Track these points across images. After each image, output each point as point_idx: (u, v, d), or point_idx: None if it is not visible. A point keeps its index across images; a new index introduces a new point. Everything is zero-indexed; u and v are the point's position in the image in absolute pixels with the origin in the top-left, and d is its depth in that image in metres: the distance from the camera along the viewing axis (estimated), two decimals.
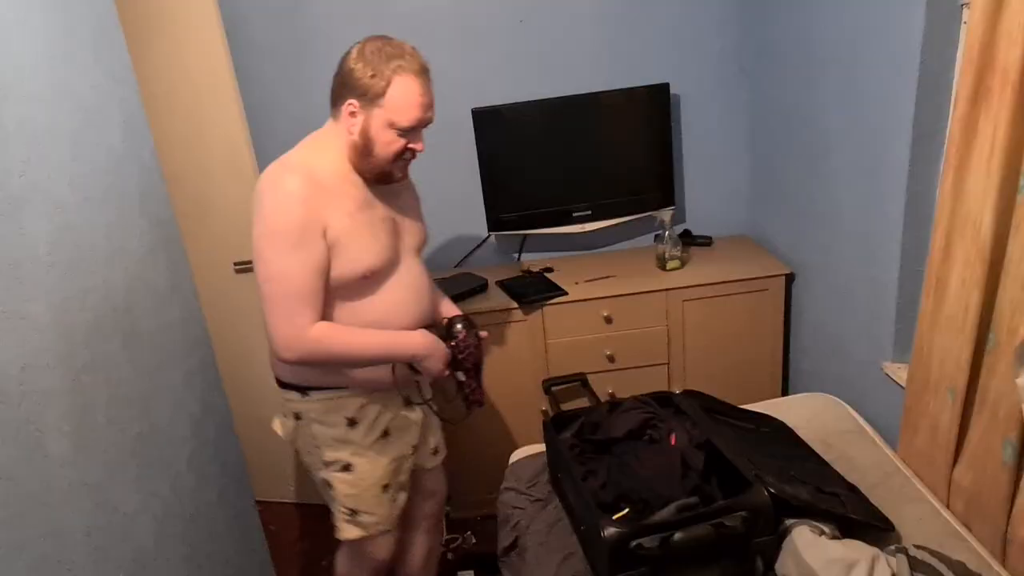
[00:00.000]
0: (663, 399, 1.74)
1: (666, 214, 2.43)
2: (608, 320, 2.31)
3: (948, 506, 1.57)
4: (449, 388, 1.68)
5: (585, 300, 2.30)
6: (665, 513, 1.37)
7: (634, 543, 1.30)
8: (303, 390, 1.59)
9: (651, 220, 2.57)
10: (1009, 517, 1.42)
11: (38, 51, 1.28)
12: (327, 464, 1.64)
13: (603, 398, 2.33)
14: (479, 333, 1.64)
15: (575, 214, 2.49)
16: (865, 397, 1.98)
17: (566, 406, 2.20)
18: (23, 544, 1.13)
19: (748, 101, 2.55)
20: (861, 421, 1.88)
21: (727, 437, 1.57)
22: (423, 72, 1.46)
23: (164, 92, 2.21)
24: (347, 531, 1.71)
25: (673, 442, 1.52)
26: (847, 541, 1.38)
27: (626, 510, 1.41)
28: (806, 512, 1.40)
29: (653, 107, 2.43)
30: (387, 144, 1.47)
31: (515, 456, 1.98)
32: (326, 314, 1.48)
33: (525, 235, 2.63)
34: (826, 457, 1.68)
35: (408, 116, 1.45)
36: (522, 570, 1.57)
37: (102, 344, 1.37)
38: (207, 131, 2.25)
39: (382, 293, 1.54)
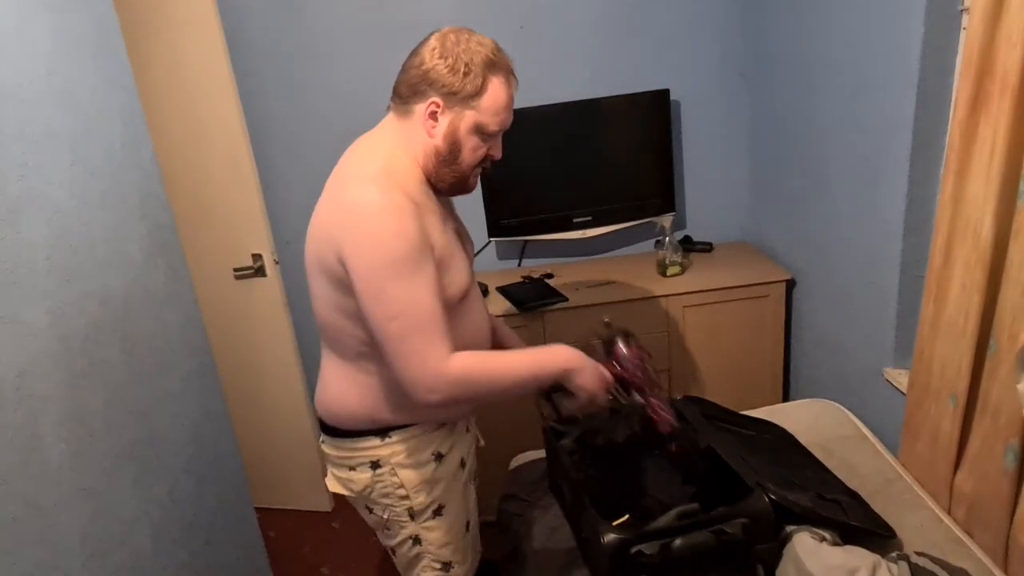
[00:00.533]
0: None
1: (666, 220, 2.42)
2: (608, 326, 2.30)
3: (949, 512, 1.57)
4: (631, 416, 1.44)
5: (585, 306, 2.29)
6: (665, 519, 1.36)
7: (634, 550, 1.29)
8: (382, 432, 1.37)
9: (652, 226, 2.57)
10: (1011, 523, 1.41)
11: (38, 56, 1.28)
12: (417, 514, 1.41)
13: None
14: (640, 344, 1.43)
15: (576, 220, 2.49)
16: (866, 403, 1.97)
17: (566, 412, 2.19)
18: (18, 551, 1.12)
19: (748, 107, 2.55)
20: (862, 427, 1.88)
21: (728, 443, 1.56)
22: (513, 72, 1.30)
23: (164, 96, 2.21)
24: None
25: (674, 449, 1.51)
26: (848, 548, 1.37)
27: (626, 516, 1.40)
28: (807, 519, 1.39)
29: (653, 113, 2.43)
30: (473, 150, 1.28)
31: (515, 462, 1.97)
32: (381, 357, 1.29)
33: (526, 241, 2.63)
34: (827, 463, 1.68)
35: (498, 120, 1.28)
36: None
37: (100, 349, 1.37)
38: (207, 135, 2.26)
39: (466, 316, 1.36)
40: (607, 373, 1.37)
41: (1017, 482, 1.38)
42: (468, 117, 1.26)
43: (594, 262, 2.66)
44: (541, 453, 1.83)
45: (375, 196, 1.19)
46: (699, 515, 1.36)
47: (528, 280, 2.49)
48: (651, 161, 2.50)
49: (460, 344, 1.27)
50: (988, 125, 1.35)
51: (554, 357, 1.32)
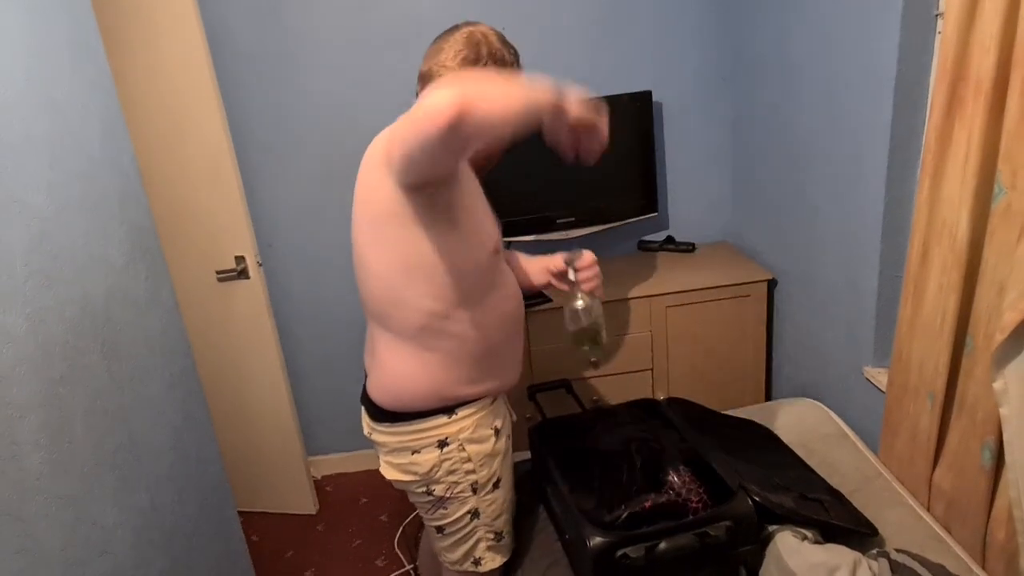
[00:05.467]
0: (649, 407, 1.74)
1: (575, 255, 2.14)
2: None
3: (929, 509, 1.59)
4: None
5: None
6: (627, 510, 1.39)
7: (619, 553, 1.30)
8: (449, 410, 1.41)
9: (634, 227, 2.58)
10: (988, 519, 1.43)
11: (15, 58, 1.26)
12: (480, 487, 1.46)
13: (588, 404, 2.33)
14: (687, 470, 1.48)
15: (559, 221, 2.50)
16: (847, 402, 2.00)
17: (551, 413, 2.20)
18: None
19: (730, 109, 2.58)
20: (843, 425, 1.90)
21: (711, 445, 1.58)
22: None
23: (145, 99, 2.19)
24: (492, 561, 1.52)
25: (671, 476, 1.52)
26: (829, 546, 1.39)
27: (624, 511, 1.41)
28: (789, 519, 1.40)
29: (636, 115, 2.45)
30: None
31: None
32: (459, 316, 1.34)
33: (508, 242, 2.63)
34: (808, 462, 1.70)
35: None
36: None
37: (80, 355, 1.35)
38: (188, 138, 2.23)
39: (503, 282, 1.43)
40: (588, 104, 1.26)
41: (994, 479, 1.41)
42: None
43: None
44: (526, 454, 1.83)
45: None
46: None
47: None
48: (634, 162, 2.52)
49: (502, 316, 1.40)
50: (963, 128, 1.38)
51: (550, 90, 1.19)
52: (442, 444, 1.41)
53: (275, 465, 2.66)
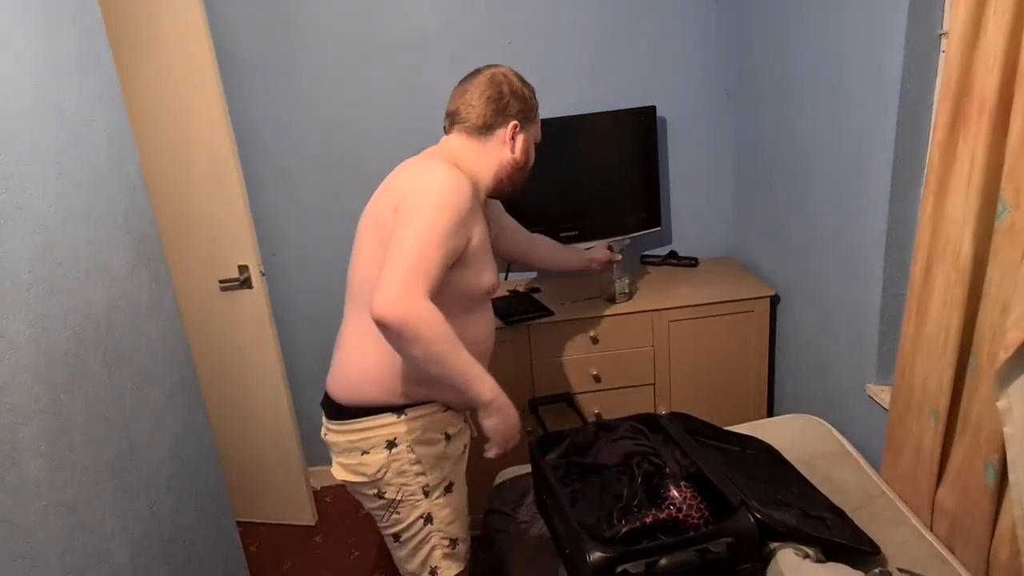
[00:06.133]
0: (650, 422, 1.74)
1: (616, 244, 2.36)
2: (594, 340, 2.32)
3: (932, 528, 1.58)
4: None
5: (571, 320, 2.30)
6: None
7: (619, 568, 1.29)
8: (399, 409, 1.47)
9: (637, 241, 2.59)
10: (992, 539, 1.42)
11: (25, 68, 1.27)
12: (431, 490, 1.51)
13: (589, 418, 2.33)
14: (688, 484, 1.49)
15: (562, 234, 2.50)
16: (849, 419, 1.99)
17: (552, 426, 2.19)
18: None
19: (733, 125, 2.59)
20: (845, 443, 1.89)
21: (713, 461, 1.57)
22: None
23: (152, 108, 2.21)
24: (448, 569, 1.56)
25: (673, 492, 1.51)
26: (831, 564, 1.37)
27: (624, 527, 1.40)
28: (791, 536, 1.39)
29: (640, 129, 2.46)
30: (531, 159, 1.65)
31: (500, 477, 1.97)
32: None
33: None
34: (811, 479, 1.69)
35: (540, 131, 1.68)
36: None
37: (82, 363, 1.36)
38: (194, 148, 2.25)
39: (483, 315, 1.57)
40: (516, 439, 1.46)
41: (998, 498, 1.40)
42: (532, 132, 1.63)
43: (580, 277, 2.66)
44: (526, 468, 1.83)
45: (441, 168, 1.41)
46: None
47: (514, 294, 2.49)
48: (637, 177, 2.52)
49: (473, 333, 1.47)
50: (967, 146, 1.38)
51: (488, 388, 1.38)
52: (391, 445, 1.47)
53: (275, 475, 2.65)
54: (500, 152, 1.56)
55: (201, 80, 2.15)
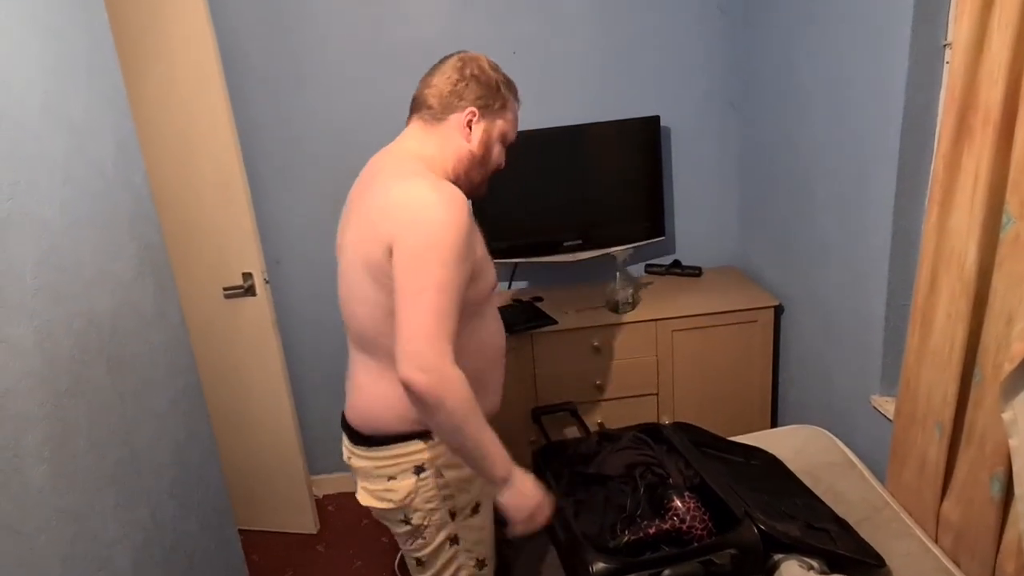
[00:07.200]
0: (653, 432, 1.73)
1: (621, 253, 2.36)
2: (597, 350, 2.31)
3: (937, 541, 1.57)
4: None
5: (575, 329, 2.30)
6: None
7: None
8: (425, 435, 1.38)
9: (640, 250, 2.59)
10: (997, 552, 1.41)
11: (32, 75, 1.28)
12: (459, 512, 1.43)
13: (592, 428, 2.32)
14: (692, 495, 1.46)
15: (566, 244, 2.50)
16: (853, 430, 1.98)
17: (555, 436, 2.19)
18: None
19: (737, 135, 2.59)
20: (849, 454, 1.88)
21: (717, 472, 1.56)
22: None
23: (158, 117, 2.22)
24: None
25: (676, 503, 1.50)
26: None
27: (626, 536, 1.39)
28: (795, 548, 1.38)
29: (644, 139, 2.46)
30: (496, 156, 1.47)
31: None
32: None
33: (516, 263, 2.63)
34: (815, 490, 1.68)
35: (515, 131, 1.50)
36: None
37: (85, 369, 1.36)
38: (200, 156, 2.26)
39: (492, 315, 1.47)
40: (542, 516, 1.34)
41: (1003, 511, 1.39)
42: (498, 126, 1.44)
43: (584, 286, 2.67)
44: None
45: (426, 190, 1.26)
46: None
47: (518, 303, 2.49)
48: (641, 186, 2.53)
49: (481, 343, 1.39)
50: (971, 157, 1.38)
51: (510, 467, 1.31)
52: (419, 470, 1.39)
53: (277, 483, 2.64)
54: (456, 140, 1.40)
55: (207, 88, 2.17)
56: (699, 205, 2.68)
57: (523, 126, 2.41)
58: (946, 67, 1.57)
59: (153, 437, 1.56)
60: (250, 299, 2.38)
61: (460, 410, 1.23)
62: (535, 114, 2.47)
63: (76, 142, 1.39)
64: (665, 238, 2.61)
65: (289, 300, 2.65)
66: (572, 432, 2.25)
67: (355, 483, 1.49)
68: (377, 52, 2.46)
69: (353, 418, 1.45)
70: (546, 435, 2.18)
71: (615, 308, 2.35)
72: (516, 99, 1.48)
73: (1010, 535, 1.37)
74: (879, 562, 1.45)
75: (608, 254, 2.43)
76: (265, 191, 2.54)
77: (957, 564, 1.49)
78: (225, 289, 2.37)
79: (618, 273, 2.35)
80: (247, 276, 2.36)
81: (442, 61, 1.45)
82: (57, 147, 1.33)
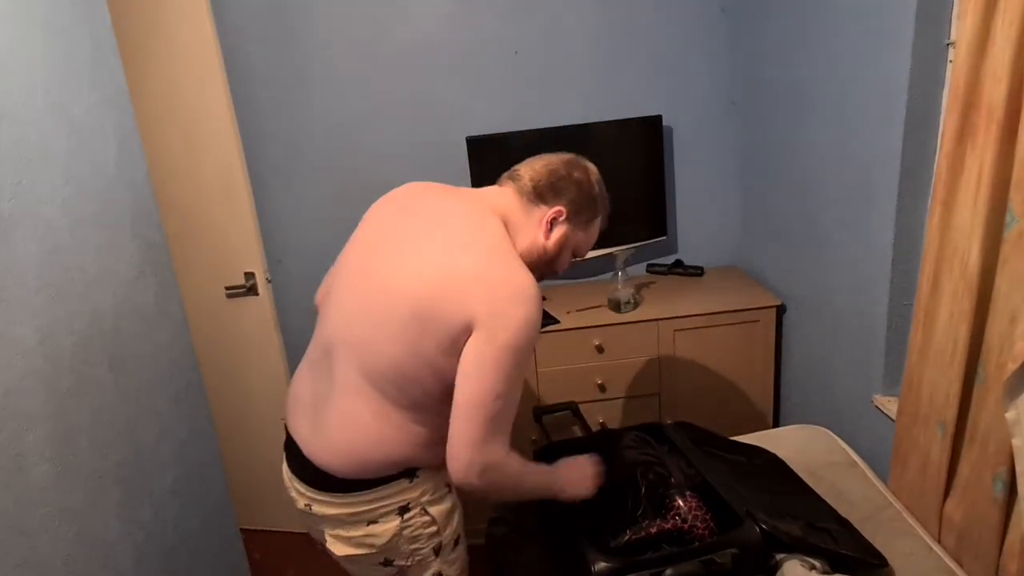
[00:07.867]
0: (655, 432, 1.73)
1: (622, 254, 2.35)
2: (600, 349, 2.31)
3: (939, 541, 1.56)
4: None
5: (577, 329, 2.30)
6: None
7: None
8: (411, 473, 1.32)
9: (642, 250, 2.58)
10: (1000, 552, 1.41)
11: (34, 74, 1.28)
12: (443, 548, 1.38)
13: (594, 427, 2.32)
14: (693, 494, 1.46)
15: None
16: (856, 429, 1.98)
17: (556, 435, 2.18)
18: None
19: (739, 134, 2.58)
20: (852, 453, 1.88)
21: (719, 471, 1.56)
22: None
23: (160, 116, 2.22)
24: None
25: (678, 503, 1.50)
26: None
27: (628, 535, 1.39)
28: (797, 547, 1.38)
29: (646, 138, 2.46)
30: (563, 263, 1.42)
31: None
32: (440, 410, 1.26)
33: None
34: (817, 489, 1.67)
35: (589, 248, 1.47)
36: None
37: (88, 368, 1.36)
38: (202, 156, 2.26)
39: None
40: (598, 479, 1.47)
41: (1006, 511, 1.38)
42: (577, 236, 1.41)
43: (586, 285, 2.66)
44: None
45: (528, 280, 1.22)
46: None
47: None
48: (643, 186, 2.52)
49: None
50: (974, 156, 1.37)
51: (558, 481, 1.41)
52: (403, 510, 1.31)
53: (278, 483, 2.64)
54: (536, 230, 1.35)
55: (209, 88, 2.17)
56: (701, 205, 2.67)
57: (524, 125, 2.44)
58: (949, 65, 1.57)
59: (155, 436, 1.56)
60: (252, 298, 2.38)
61: (512, 489, 1.34)
62: (537, 114, 2.48)
63: (78, 141, 1.39)
64: (667, 238, 2.61)
65: (291, 299, 2.65)
66: (574, 432, 2.24)
67: (319, 532, 1.40)
68: (379, 53, 2.46)
69: (329, 460, 1.31)
70: (547, 435, 2.17)
71: (617, 308, 2.34)
72: (605, 219, 1.46)
73: (1013, 535, 1.37)
74: (881, 562, 1.45)
75: (610, 254, 2.43)
76: (267, 190, 2.55)
77: (960, 564, 1.48)
78: (227, 288, 2.38)
79: (620, 273, 2.35)
80: (249, 275, 2.36)
81: (553, 152, 1.43)
82: (59, 146, 1.33)
